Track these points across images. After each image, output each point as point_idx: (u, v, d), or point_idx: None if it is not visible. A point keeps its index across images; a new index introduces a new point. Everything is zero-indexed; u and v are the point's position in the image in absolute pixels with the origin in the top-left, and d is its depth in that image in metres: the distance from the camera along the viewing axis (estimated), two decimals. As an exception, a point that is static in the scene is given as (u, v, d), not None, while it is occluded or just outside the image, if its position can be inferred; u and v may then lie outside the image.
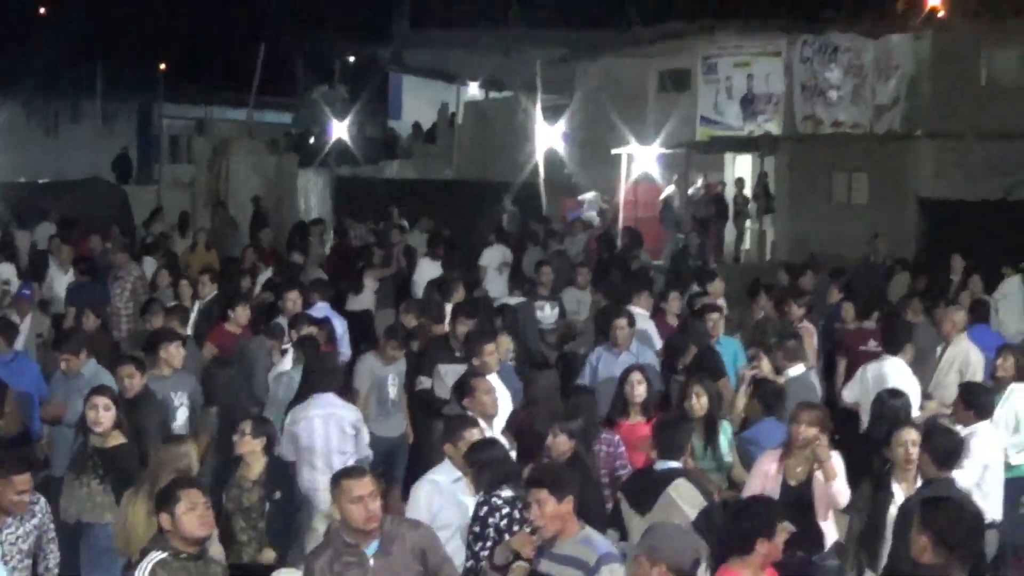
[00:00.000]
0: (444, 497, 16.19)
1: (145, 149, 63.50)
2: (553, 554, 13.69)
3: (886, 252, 38.62)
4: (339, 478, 14.08)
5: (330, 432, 20.20)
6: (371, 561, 13.47)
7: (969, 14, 53.96)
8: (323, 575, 13.54)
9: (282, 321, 25.39)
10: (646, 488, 16.57)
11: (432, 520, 15.66)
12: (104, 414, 18.25)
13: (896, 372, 22.70)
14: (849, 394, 23.87)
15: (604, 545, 13.86)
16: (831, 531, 17.61)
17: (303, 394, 21.20)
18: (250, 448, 17.19)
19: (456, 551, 15.50)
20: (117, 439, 18.23)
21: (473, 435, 16.47)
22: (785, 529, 14.83)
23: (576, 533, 13.71)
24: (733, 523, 14.44)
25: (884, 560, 15.94)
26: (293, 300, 26.44)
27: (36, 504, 15.35)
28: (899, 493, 16.13)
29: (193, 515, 13.02)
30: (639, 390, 20.05)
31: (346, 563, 13.46)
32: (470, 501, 16.17)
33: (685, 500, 16.12)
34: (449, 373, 23.28)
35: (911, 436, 16.71)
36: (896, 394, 20.27)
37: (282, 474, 17.88)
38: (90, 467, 18.14)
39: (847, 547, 16.87)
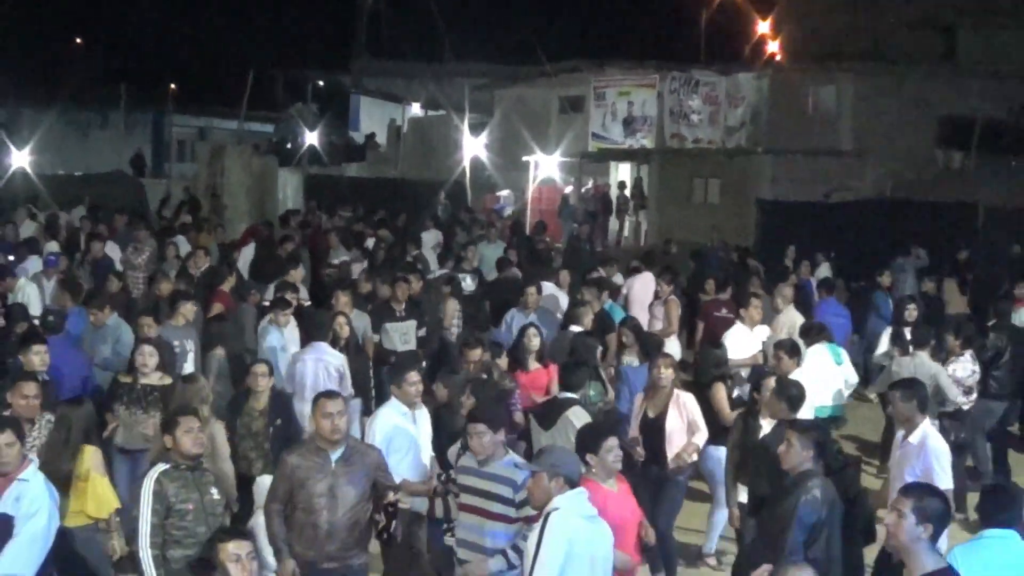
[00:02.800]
0: (395, 428, 16.23)
1: (158, 151, 63.40)
2: (486, 472, 13.94)
3: (719, 240, 39.42)
4: (317, 398, 14.41)
5: (319, 373, 20.25)
6: (333, 465, 13.78)
7: (798, 58, 54.84)
8: (293, 469, 13.80)
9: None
10: (550, 411, 17.04)
11: (387, 446, 15.72)
12: (150, 359, 18.46)
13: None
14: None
15: (527, 468, 13.83)
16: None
17: (303, 343, 21.67)
18: (264, 385, 17.55)
19: (407, 471, 15.72)
20: (166, 379, 18.47)
21: (414, 377, 16.49)
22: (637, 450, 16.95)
23: (504, 457, 13.98)
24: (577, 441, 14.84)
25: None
26: (294, 276, 26.26)
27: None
28: (765, 426, 16.45)
29: (189, 437, 13.24)
30: (534, 342, 20.20)
31: (313, 462, 13.75)
32: (416, 430, 16.57)
33: (579, 420, 16.32)
34: (394, 330, 23.85)
35: (770, 383, 17.11)
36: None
37: (282, 405, 18.19)
38: (138, 401, 18.18)
39: (727, 471, 17.09)
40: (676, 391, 18.02)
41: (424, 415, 16.98)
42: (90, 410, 15.82)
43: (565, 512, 12.11)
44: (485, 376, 18.91)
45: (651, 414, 17.75)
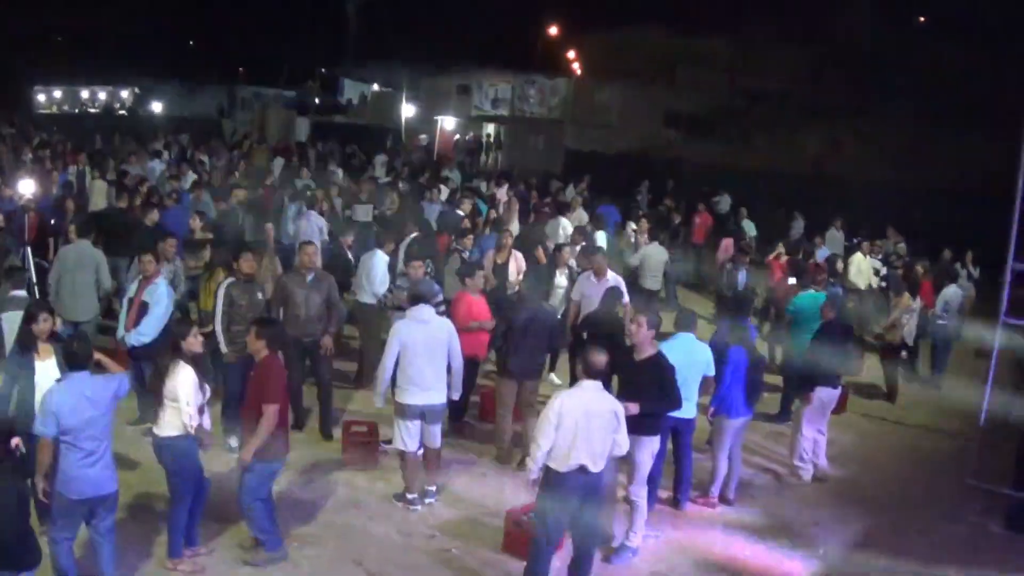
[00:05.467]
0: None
1: (231, 105, 63.17)
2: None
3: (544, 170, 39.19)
4: (302, 244, 14.28)
5: (313, 232, 19.15)
6: (307, 281, 13.51)
7: (591, 73, 55.02)
8: (282, 286, 13.60)
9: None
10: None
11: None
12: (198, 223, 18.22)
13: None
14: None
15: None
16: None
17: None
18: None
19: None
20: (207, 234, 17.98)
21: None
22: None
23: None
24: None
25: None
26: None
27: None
28: None
29: (246, 263, 13.10)
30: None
31: (295, 279, 13.54)
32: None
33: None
34: (360, 210, 23.45)
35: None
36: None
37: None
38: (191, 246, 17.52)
39: None
40: (513, 251, 17.57)
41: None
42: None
43: (404, 320, 11.73)
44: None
45: (499, 261, 17.28)
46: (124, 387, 9.07)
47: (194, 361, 9.67)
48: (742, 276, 19.30)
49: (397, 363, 11.33)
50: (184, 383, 9.43)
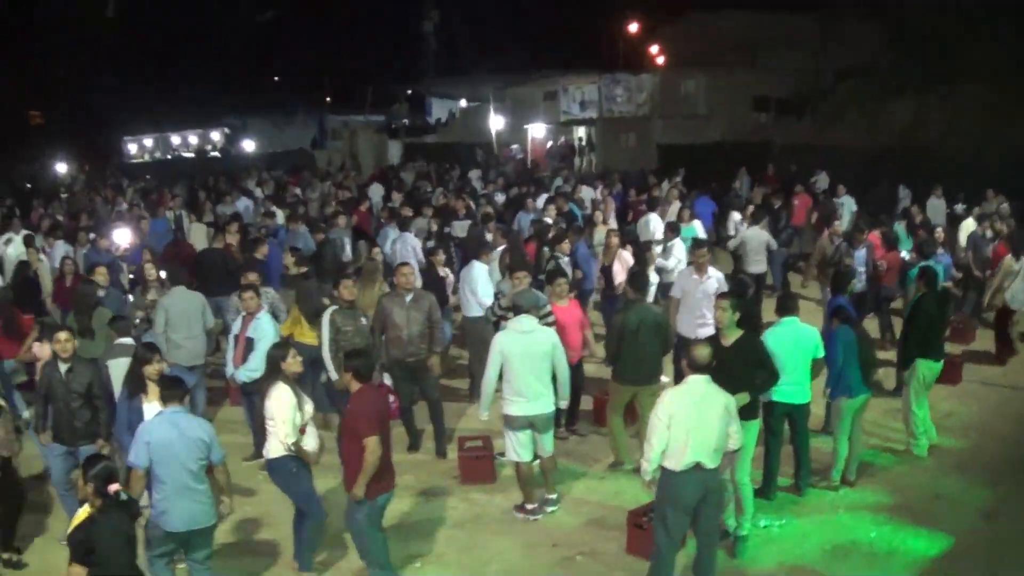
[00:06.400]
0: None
1: (321, 135, 63.67)
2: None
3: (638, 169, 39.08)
4: (399, 266, 14.26)
5: (407, 252, 19.42)
6: (407, 301, 13.54)
7: (675, 63, 54.71)
8: (382, 308, 13.60)
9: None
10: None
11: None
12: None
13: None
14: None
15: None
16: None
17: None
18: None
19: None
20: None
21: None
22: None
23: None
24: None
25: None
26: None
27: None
28: None
29: (347, 291, 13.37)
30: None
31: (395, 300, 13.51)
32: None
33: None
34: (458, 226, 23.66)
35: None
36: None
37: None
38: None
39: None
40: (620, 250, 17.68)
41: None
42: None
43: (505, 331, 11.65)
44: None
45: (606, 263, 17.47)
46: (218, 453, 9.23)
47: (293, 382, 9.86)
48: (860, 256, 18.76)
49: (502, 375, 11.31)
50: (279, 402, 9.64)
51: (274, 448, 9.78)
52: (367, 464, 9.19)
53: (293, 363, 9.99)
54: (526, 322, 11.45)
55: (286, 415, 9.62)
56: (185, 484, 8.83)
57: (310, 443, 9.91)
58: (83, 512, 7.65)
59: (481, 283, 15.74)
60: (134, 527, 7.72)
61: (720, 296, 11.00)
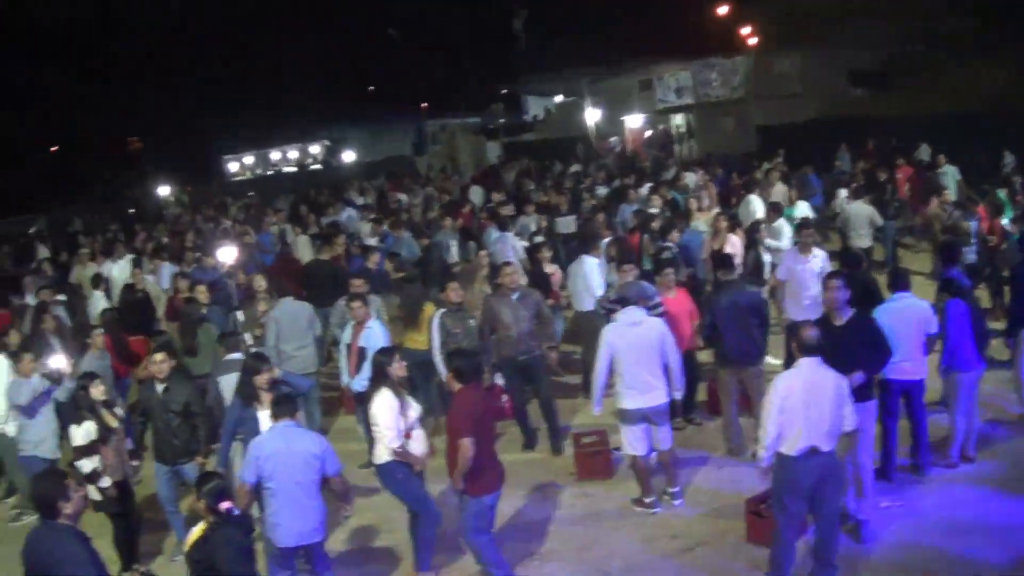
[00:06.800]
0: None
1: (420, 140, 63.86)
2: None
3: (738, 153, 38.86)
4: (502, 265, 14.29)
5: (507, 252, 19.05)
6: (513, 300, 13.60)
7: (767, 45, 54.24)
8: (488, 307, 13.65)
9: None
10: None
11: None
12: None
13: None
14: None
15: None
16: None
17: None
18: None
19: None
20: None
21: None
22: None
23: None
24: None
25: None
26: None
27: None
28: None
29: (454, 293, 13.53)
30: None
31: (501, 299, 13.56)
32: None
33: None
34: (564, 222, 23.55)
35: None
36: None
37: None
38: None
39: None
40: (728, 233, 17.52)
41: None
42: None
43: (613, 323, 11.60)
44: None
45: (715, 247, 17.15)
46: (333, 465, 9.28)
47: (398, 387, 9.96)
48: (974, 225, 18.35)
49: (613, 369, 11.27)
50: (382, 407, 9.76)
51: (381, 453, 9.92)
52: (459, 464, 9.28)
53: (399, 367, 10.09)
54: (634, 314, 11.40)
55: (390, 420, 9.73)
56: (296, 499, 8.94)
57: (417, 447, 9.99)
58: (198, 530, 7.79)
59: (594, 277, 15.68)
60: (251, 540, 7.88)
61: (829, 275, 10.82)
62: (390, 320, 15.67)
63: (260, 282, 16.73)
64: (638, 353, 11.15)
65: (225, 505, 7.59)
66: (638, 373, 11.14)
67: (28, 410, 12.83)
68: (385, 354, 10.31)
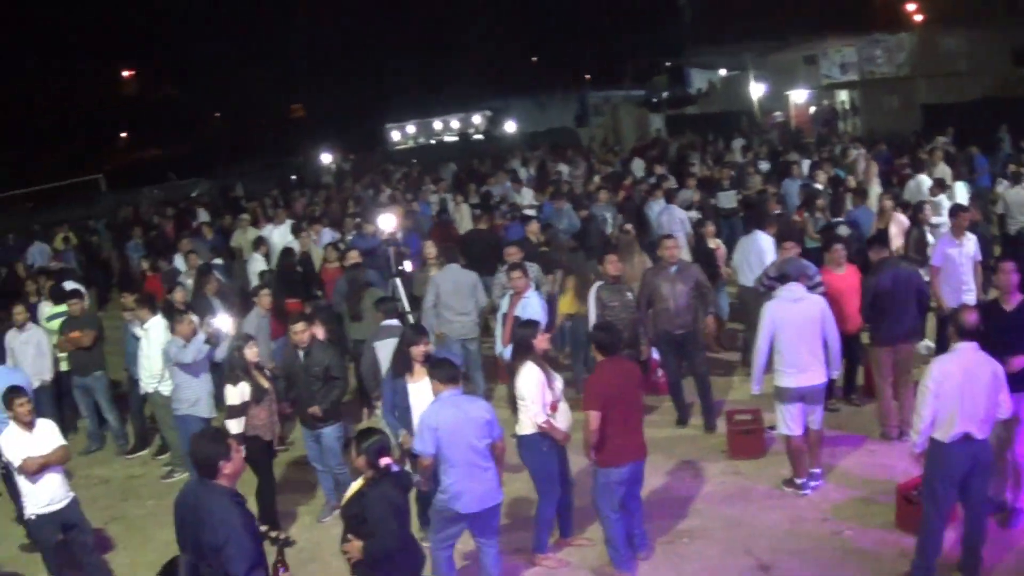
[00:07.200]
0: None
1: (583, 112, 63.63)
2: None
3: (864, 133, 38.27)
4: (662, 238, 14.31)
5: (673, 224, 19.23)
6: (672, 273, 13.50)
7: (932, 20, 53.05)
8: (647, 282, 13.66)
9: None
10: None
11: None
12: None
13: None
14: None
15: None
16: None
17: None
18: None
19: None
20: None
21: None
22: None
23: None
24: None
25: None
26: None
27: None
28: None
29: (612, 266, 13.47)
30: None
31: (659, 273, 13.57)
32: None
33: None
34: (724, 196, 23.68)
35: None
36: None
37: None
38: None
39: None
40: (894, 214, 17.29)
41: None
42: None
43: (775, 299, 11.49)
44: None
45: (881, 226, 17.05)
46: (498, 430, 9.22)
47: (542, 360, 9.99)
48: None
49: (773, 346, 11.24)
50: (527, 380, 9.78)
51: (525, 425, 9.96)
52: (585, 435, 9.41)
53: (543, 340, 10.18)
54: (795, 290, 11.31)
55: (536, 394, 9.75)
56: (475, 464, 8.94)
57: (562, 421, 10.00)
58: (356, 485, 7.90)
59: (767, 252, 15.61)
60: (406, 499, 7.95)
61: (1002, 258, 10.64)
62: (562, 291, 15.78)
63: (431, 249, 17.04)
64: (799, 329, 11.05)
65: (385, 461, 7.69)
66: (798, 350, 11.04)
67: (190, 369, 13.07)
68: (528, 327, 10.34)
